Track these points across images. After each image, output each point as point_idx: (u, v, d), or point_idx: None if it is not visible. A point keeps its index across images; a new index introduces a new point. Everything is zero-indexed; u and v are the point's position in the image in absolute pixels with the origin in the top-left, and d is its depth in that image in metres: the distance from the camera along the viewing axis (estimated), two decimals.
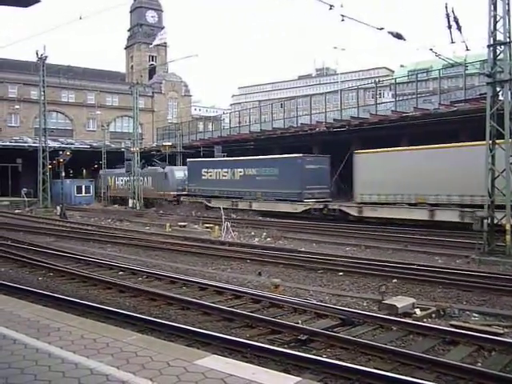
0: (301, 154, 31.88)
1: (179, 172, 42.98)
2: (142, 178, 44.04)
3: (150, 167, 46.99)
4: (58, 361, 4.63)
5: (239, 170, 35.84)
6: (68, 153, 38.69)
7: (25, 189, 47.93)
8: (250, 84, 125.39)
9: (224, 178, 37.04)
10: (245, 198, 34.70)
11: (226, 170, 37.01)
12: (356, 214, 27.61)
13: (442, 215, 23.49)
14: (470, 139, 24.33)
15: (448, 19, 16.37)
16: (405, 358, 6.90)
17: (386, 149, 27.25)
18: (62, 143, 56.79)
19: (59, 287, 12.22)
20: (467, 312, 9.86)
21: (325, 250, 18.66)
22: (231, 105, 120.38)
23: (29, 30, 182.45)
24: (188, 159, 42.78)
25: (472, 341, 7.71)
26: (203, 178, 38.73)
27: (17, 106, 66.55)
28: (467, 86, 31.61)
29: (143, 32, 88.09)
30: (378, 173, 26.14)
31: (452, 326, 8.60)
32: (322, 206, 29.77)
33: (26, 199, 45.64)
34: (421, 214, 24.28)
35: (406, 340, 8.07)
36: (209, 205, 37.17)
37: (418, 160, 24.46)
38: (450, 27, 16.48)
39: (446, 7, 16.29)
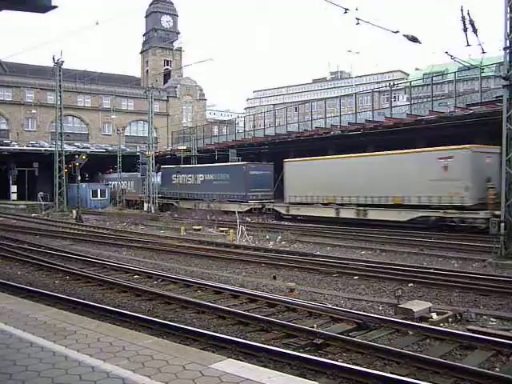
0: (246, 162, 38.23)
1: (155, 177, 46.13)
2: (125, 182, 51.11)
3: (130, 172, 52.02)
4: (74, 364, 4.66)
5: (200, 175, 41.67)
6: (84, 157, 39.01)
7: (41, 192, 48.40)
8: (264, 88, 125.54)
9: (189, 182, 42.79)
10: (204, 199, 39.82)
11: (190, 175, 42.88)
12: (284, 213, 33.05)
13: (344, 213, 28.69)
14: (487, 142, 24.19)
15: (463, 22, 16.25)
16: (421, 363, 6.83)
17: (306, 158, 32.82)
18: (78, 147, 57.33)
19: (75, 290, 12.30)
20: (484, 316, 9.74)
21: (340, 253, 18.60)
22: (246, 108, 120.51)
23: (46, 35, 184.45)
24: (162, 166, 47.23)
25: (490, 346, 7.61)
26: (173, 182, 44.55)
27: (34, 111, 67.28)
28: (483, 89, 31.31)
29: (158, 36, 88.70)
30: (301, 178, 31.41)
31: (469, 330, 8.50)
32: (260, 206, 35.45)
33: (42, 203, 46.04)
34: (330, 212, 29.46)
35: (423, 345, 7.99)
36: (177, 205, 42.72)
37: (329, 168, 30.07)
38: (465, 30, 16.36)
39: (462, 10, 16.17)
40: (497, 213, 18.72)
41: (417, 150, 27.21)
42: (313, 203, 30.93)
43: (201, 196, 40.67)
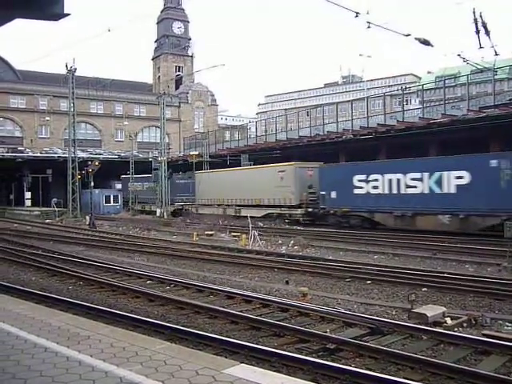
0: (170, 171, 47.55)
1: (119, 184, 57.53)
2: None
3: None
4: (88, 369, 4.68)
5: (145, 183, 50.85)
6: (97, 163, 39.28)
7: (55, 199, 48.76)
8: (276, 92, 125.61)
9: (138, 189, 52.38)
10: (149, 202, 49.30)
11: (139, 183, 52.41)
12: (194, 211, 42.62)
13: (228, 211, 38.05)
14: (501, 145, 24.06)
15: (476, 24, 16.16)
16: (436, 368, 6.77)
17: (209, 170, 45.20)
18: (91, 153, 57.69)
19: (89, 296, 12.36)
20: (499, 321, 9.64)
21: (352, 258, 18.52)
22: (257, 113, 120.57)
23: (58, 43, 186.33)
24: (122, 176, 56.40)
25: (505, 351, 7.52)
26: (129, 189, 53.35)
27: (47, 118, 67.85)
28: (496, 92, 31.11)
29: (170, 43, 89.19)
30: (205, 186, 41.96)
31: (484, 335, 8.41)
32: (181, 207, 45.30)
33: (56, 209, 46.37)
34: (220, 211, 39.03)
35: (437, 350, 7.92)
36: (132, 207, 51.42)
37: (220, 178, 40.31)
38: (478, 32, 16.27)
39: (474, 12, 16.09)
40: (309, 210, 31.46)
41: (267, 165, 37.72)
42: (211, 204, 41.26)
43: (147, 200, 49.96)
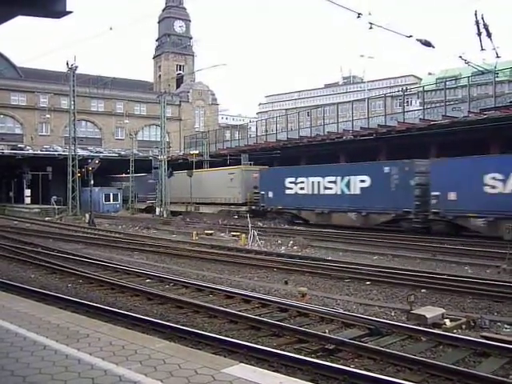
0: (144, 174, 50.95)
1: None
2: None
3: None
4: (87, 367, 4.68)
5: (124, 183, 55.23)
6: (97, 161, 39.26)
7: (55, 196, 48.71)
8: (276, 92, 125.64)
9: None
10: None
11: (119, 182, 57.69)
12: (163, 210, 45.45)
13: (189, 208, 42.74)
14: (501, 147, 24.07)
15: (478, 26, 16.17)
16: (434, 370, 6.77)
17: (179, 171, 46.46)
18: (91, 152, 57.66)
19: (88, 294, 12.36)
20: (498, 323, 9.65)
21: (351, 258, 18.51)
22: (258, 113, 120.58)
23: (59, 40, 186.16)
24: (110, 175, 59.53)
25: (504, 353, 7.52)
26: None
27: (47, 116, 67.72)
28: (497, 94, 31.13)
29: (171, 42, 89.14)
30: (173, 186, 44.71)
31: (483, 337, 8.41)
32: (150, 204, 49.15)
33: (55, 207, 46.33)
34: (183, 208, 43.75)
35: (436, 351, 7.92)
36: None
37: (185, 179, 42.43)
38: (479, 34, 16.28)
39: (476, 14, 16.11)
40: (253, 207, 36.42)
41: (221, 168, 43.33)
42: (177, 202, 45.09)
43: (126, 197, 53.01)
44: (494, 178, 22.09)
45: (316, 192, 30.56)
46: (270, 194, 33.92)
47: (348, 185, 28.49)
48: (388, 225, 27.23)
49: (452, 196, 23.36)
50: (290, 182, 32.40)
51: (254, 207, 36.43)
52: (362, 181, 27.54)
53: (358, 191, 27.93)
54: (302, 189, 31.57)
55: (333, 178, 29.50)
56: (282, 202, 33.03)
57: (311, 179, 30.88)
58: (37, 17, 6.38)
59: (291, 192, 32.30)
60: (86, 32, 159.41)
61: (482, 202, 22.17)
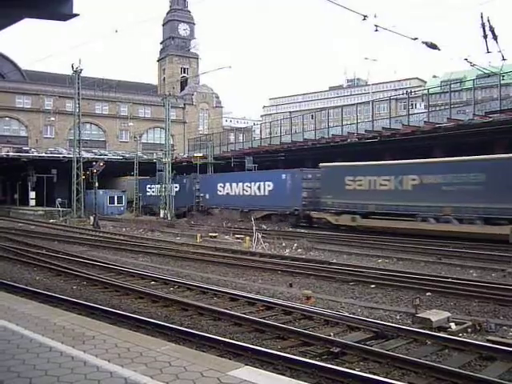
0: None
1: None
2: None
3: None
4: (93, 369, 4.68)
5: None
6: (101, 163, 39.30)
7: (59, 199, 48.74)
8: (281, 95, 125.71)
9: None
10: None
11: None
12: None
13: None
14: (506, 150, 24.00)
15: (483, 28, 16.12)
16: (440, 373, 6.75)
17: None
18: (96, 154, 57.71)
19: (93, 296, 12.37)
20: (504, 327, 9.61)
21: (356, 261, 18.49)
22: (262, 116, 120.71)
23: (64, 43, 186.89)
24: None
25: (510, 357, 7.50)
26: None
27: (52, 118, 67.96)
28: (502, 96, 30.98)
29: (175, 45, 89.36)
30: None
31: (489, 341, 8.38)
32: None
33: (60, 209, 46.39)
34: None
35: (441, 355, 7.90)
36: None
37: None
38: (485, 37, 16.22)
39: (482, 16, 16.05)
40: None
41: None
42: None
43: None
44: (222, 187, 40.58)
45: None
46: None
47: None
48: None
49: (207, 196, 41.90)
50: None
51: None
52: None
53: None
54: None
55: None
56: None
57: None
58: (43, 19, 6.41)
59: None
60: (91, 35, 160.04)
61: (220, 200, 40.38)
